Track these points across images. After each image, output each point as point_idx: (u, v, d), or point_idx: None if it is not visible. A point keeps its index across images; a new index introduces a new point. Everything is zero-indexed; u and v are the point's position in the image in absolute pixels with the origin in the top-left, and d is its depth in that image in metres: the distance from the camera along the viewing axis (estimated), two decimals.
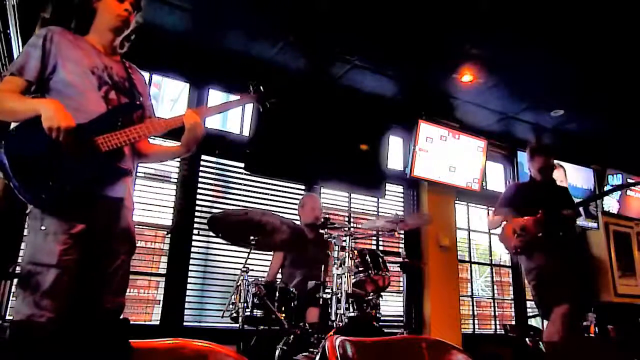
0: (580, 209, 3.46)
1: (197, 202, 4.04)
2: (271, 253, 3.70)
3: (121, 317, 1.72)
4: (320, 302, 2.87)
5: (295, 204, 4.32)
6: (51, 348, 1.42)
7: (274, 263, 3.61)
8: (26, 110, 1.59)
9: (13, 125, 1.65)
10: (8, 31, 2.42)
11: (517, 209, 3.21)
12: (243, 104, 2.17)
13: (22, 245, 3.24)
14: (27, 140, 1.57)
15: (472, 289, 5.54)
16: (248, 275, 2.83)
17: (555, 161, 3.42)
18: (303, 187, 4.56)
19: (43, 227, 1.53)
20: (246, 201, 4.24)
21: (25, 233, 3.20)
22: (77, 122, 1.58)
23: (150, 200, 3.83)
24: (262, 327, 2.94)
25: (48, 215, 1.55)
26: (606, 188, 6.06)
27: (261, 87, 2.22)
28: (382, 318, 3.04)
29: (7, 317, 3.10)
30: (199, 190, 4.08)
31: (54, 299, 1.49)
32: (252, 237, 2.90)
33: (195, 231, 3.94)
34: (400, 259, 3.97)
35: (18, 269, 3.09)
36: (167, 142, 3.21)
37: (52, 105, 1.57)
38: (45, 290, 1.49)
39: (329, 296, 2.66)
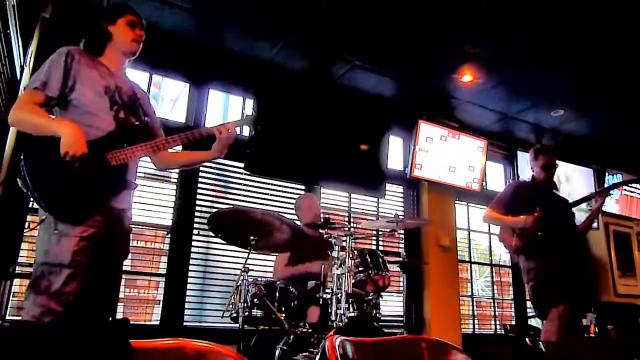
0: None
1: (197, 202, 4.04)
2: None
3: (121, 317, 1.81)
4: (320, 302, 2.87)
5: None
6: (54, 347, 1.45)
7: (279, 262, 3.53)
8: (47, 128, 1.72)
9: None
10: (8, 31, 2.42)
11: (516, 209, 3.20)
12: (240, 125, 2.35)
13: (23, 246, 3.25)
14: (45, 154, 1.69)
15: (472, 289, 5.54)
16: (248, 275, 2.83)
17: (557, 162, 3.41)
18: (303, 187, 4.56)
19: (56, 230, 1.65)
20: (246, 201, 4.24)
21: (25, 233, 3.22)
22: (89, 138, 1.73)
23: (150, 200, 3.83)
24: (262, 327, 2.94)
25: (62, 221, 1.69)
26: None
27: (254, 112, 2.44)
28: (382, 318, 3.04)
29: (7, 317, 3.10)
30: (199, 190, 4.08)
31: (65, 298, 1.61)
32: (252, 238, 2.90)
33: (195, 231, 3.95)
34: (400, 259, 3.96)
35: (18, 269, 3.11)
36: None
37: (71, 131, 1.69)
38: (57, 289, 1.60)
39: (329, 296, 2.66)
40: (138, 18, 2.03)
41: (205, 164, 4.11)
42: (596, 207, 3.31)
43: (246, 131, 4.27)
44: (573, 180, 6.05)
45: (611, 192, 5.97)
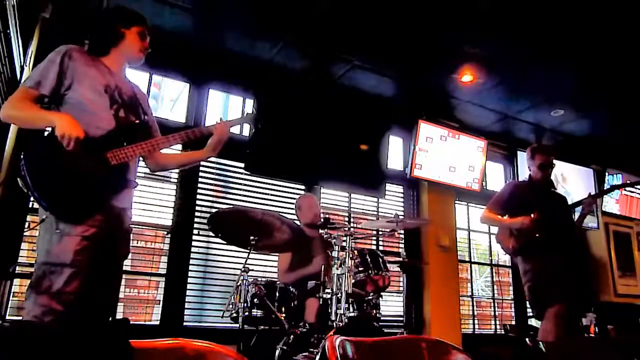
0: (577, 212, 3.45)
1: (197, 202, 4.04)
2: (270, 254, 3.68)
3: (121, 317, 1.82)
4: (320, 302, 2.87)
5: None
6: (54, 347, 1.46)
7: (282, 263, 3.50)
8: (41, 120, 1.73)
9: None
10: (8, 31, 2.42)
11: (513, 209, 3.19)
12: (241, 123, 2.38)
13: (23, 246, 3.25)
14: (45, 153, 1.69)
15: (472, 289, 5.54)
16: (248, 275, 2.83)
17: (555, 161, 3.41)
18: (303, 187, 4.56)
19: (58, 230, 1.65)
20: (246, 201, 4.24)
21: (25, 233, 3.22)
22: (88, 136, 1.72)
23: (150, 200, 3.83)
24: (262, 327, 2.94)
25: (62, 220, 1.68)
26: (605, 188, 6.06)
27: (254, 110, 2.51)
28: (382, 318, 3.04)
29: (7, 317, 3.10)
30: (199, 190, 4.08)
31: (66, 297, 1.61)
32: (252, 238, 2.90)
33: (195, 231, 3.95)
34: (400, 259, 3.97)
35: (18, 269, 3.11)
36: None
37: (66, 117, 1.69)
38: (59, 289, 1.60)
39: (329, 296, 2.66)
40: (148, 31, 2.05)
41: (205, 163, 4.12)
42: (588, 210, 3.30)
43: (246, 131, 4.28)
44: (570, 180, 6.05)
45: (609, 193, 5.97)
